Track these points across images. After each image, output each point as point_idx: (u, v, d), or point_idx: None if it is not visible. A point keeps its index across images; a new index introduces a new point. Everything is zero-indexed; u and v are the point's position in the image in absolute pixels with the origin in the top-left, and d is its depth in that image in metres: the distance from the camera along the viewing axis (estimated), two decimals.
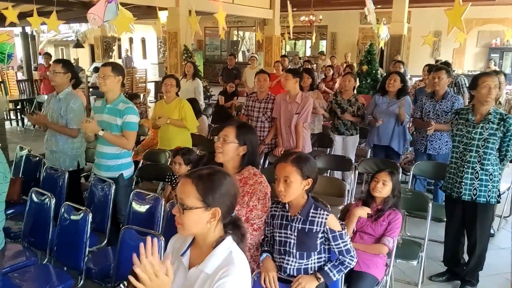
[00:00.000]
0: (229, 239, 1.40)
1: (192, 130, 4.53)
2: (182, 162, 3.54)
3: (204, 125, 5.79)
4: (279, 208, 2.14)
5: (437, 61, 9.78)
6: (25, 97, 10.04)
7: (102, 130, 3.19)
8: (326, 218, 2.00)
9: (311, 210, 2.03)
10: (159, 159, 4.40)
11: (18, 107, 9.79)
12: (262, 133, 4.52)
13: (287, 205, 2.09)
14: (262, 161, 4.45)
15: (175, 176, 3.66)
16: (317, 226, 2.01)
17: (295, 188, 1.98)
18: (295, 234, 2.04)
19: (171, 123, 4.32)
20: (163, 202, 3.06)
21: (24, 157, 4.16)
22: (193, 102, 5.54)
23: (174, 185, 3.66)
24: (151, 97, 13.18)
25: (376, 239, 2.70)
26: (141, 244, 1.21)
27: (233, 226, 1.44)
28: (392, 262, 2.76)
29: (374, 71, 9.62)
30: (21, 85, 10.53)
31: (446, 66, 5.12)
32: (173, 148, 4.17)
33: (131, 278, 1.20)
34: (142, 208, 3.09)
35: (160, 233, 2.69)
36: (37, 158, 4.09)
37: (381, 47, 11.96)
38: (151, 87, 13.22)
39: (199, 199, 1.35)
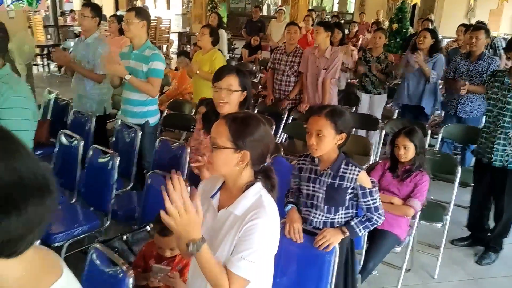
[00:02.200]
0: (259, 184, 1.40)
1: None
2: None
3: None
4: (307, 161, 2.11)
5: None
6: (51, 43, 10.06)
7: (129, 74, 3.17)
8: (357, 174, 1.97)
9: (342, 166, 2.00)
10: (183, 109, 4.40)
11: (44, 52, 9.83)
12: (287, 88, 4.44)
13: (316, 159, 2.06)
14: (285, 116, 4.39)
15: None
16: (347, 181, 1.98)
17: (328, 142, 1.93)
18: (324, 188, 2.02)
19: (200, 75, 4.24)
20: (188, 150, 3.07)
21: (52, 100, 4.20)
22: None
23: None
24: (174, 48, 13.05)
25: (401, 199, 2.67)
26: (168, 181, 1.19)
27: (264, 175, 1.43)
28: (416, 223, 2.74)
29: (404, 30, 9.27)
30: (47, 30, 10.53)
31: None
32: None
33: (162, 213, 1.20)
34: (167, 156, 3.12)
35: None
36: (65, 102, 4.13)
37: (413, 5, 11.43)
38: (174, 38, 13.05)
39: (230, 140, 1.35)
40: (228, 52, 8.59)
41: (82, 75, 3.61)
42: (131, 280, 1.58)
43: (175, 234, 1.25)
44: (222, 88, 2.14)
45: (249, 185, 1.39)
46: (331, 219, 2.04)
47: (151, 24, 10.66)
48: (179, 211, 1.18)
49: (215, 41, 4.22)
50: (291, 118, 4.36)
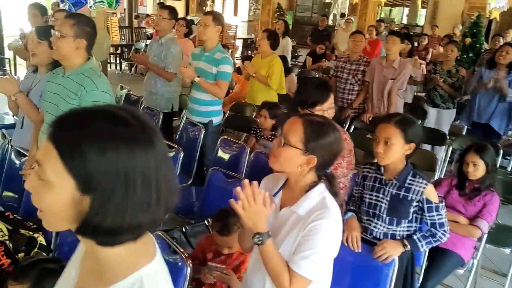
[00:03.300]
0: (322, 186, 1.39)
1: (278, 90, 4.41)
2: (267, 115, 3.57)
3: (293, 83, 5.72)
4: (372, 169, 2.07)
5: None
6: (124, 43, 10.65)
7: (198, 76, 3.28)
8: (424, 187, 1.90)
9: (409, 177, 1.94)
10: (245, 111, 4.47)
11: (117, 51, 10.42)
12: (350, 96, 4.38)
13: (382, 168, 2.02)
14: (347, 125, 4.33)
15: (260, 129, 3.71)
16: (413, 194, 1.92)
17: (396, 151, 1.89)
18: (388, 198, 1.97)
19: (256, 78, 4.30)
20: (248, 151, 3.13)
21: (124, 96, 4.45)
22: (283, 60, 5.49)
23: (258, 138, 3.72)
24: (238, 54, 13.31)
25: (467, 219, 2.54)
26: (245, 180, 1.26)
27: (327, 179, 1.42)
28: (482, 246, 2.58)
29: (478, 45, 8.80)
30: (122, 31, 11.16)
31: None
32: (257, 104, 4.22)
33: (232, 200, 1.24)
34: (228, 154, 3.20)
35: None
36: (136, 98, 4.35)
37: (490, 20, 10.83)
38: (239, 44, 13.32)
39: (302, 141, 1.35)
40: (292, 59, 8.63)
41: (154, 73, 3.80)
42: (189, 270, 1.63)
43: (243, 223, 1.28)
44: (324, 111, 2.05)
45: (312, 185, 1.39)
46: (393, 230, 1.98)
47: None
48: (248, 199, 1.21)
49: (274, 45, 4.29)
50: (352, 127, 4.29)
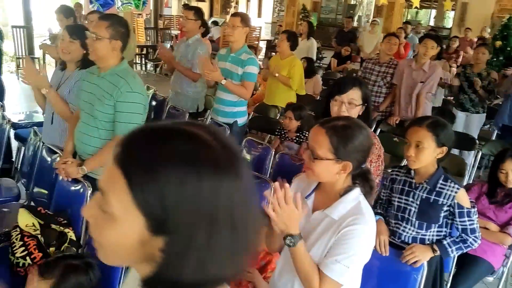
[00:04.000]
0: (357, 190, 1.38)
1: (298, 91, 4.44)
2: (292, 117, 3.56)
3: (318, 84, 5.70)
4: (401, 173, 2.04)
5: None
6: (150, 44, 10.81)
7: (225, 79, 3.29)
8: (456, 192, 1.87)
9: (440, 181, 1.91)
10: (269, 112, 4.47)
11: (143, 52, 10.58)
12: (377, 99, 4.33)
13: (412, 171, 1.99)
14: (373, 128, 4.28)
15: (285, 130, 3.71)
16: (444, 198, 1.89)
17: (427, 154, 1.86)
18: (418, 202, 1.94)
19: (279, 78, 4.30)
20: (273, 152, 3.13)
21: (150, 96, 4.51)
22: (308, 61, 5.48)
23: (282, 139, 3.72)
24: (261, 55, 13.33)
25: (497, 225, 2.47)
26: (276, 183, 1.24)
27: (362, 178, 1.41)
28: None
29: (509, 48, 8.57)
30: (147, 32, 11.34)
31: None
32: (275, 104, 4.29)
33: (263, 205, 1.24)
34: (252, 155, 3.21)
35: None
36: (162, 98, 4.41)
37: None
38: (262, 45, 13.33)
39: (331, 151, 1.33)
40: (316, 61, 8.59)
41: (181, 73, 3.84)
42: None
43: (274, 225, 1.28)
44: (343, 102, 1.95)
45: (347, 190, 1.38)
46: (422, 235, 1.95)
47: None
48: (279, 202, 1.21)
49: (294, 46, 4.32)
50: (379, 130, 4.24)
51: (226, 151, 0.59)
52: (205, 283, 0.58)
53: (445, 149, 1.88)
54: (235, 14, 3.41)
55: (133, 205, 0.56)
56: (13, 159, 3.62)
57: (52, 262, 1.68)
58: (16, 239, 2.14)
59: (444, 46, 8.18)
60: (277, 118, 4.28)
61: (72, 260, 1.70)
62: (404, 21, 13.15)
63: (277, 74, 4.23)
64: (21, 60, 8.37)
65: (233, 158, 0.59)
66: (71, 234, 2.20)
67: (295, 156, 3.10)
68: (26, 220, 2.21)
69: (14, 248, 2.10)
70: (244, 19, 3.32)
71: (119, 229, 0.58)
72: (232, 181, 0.58)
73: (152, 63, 10.30)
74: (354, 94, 1.93)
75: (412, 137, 1.89)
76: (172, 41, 10.70)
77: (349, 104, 1.93)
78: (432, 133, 1.84)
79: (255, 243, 0.63)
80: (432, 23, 16.98)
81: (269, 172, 3.04)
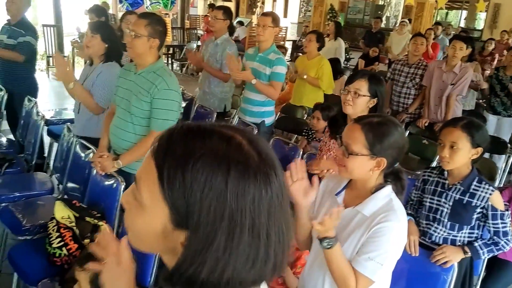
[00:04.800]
0: (389, 187, 1.39)
1: (326, 91, 4.43)
2: (320, 117, 3.57)
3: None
4: (434, 173, 2.03)
5: None
6: (176, 43, 10.96)
7: (255, 78, 3.31)
8: (490, 194, 1.85)
9: (475, 182, 1.89)
10: (295, 113, 4.48)
11: (169, 52, 10.74)
12: (406, 100, 4.29)
13: (445, 172, 1.97)
14: None
15: (312, 131, 3.71)
16: (477, 200, 1.87)
17: (462, 155, 1.84)
18: (450, 203, 1.93)
19: (307, 80, 4.30)
20: (300, 152, 3.14)
21: None
22: (335, 62, 5.45)
23: (309, 139, 3.72)
24: (287, 56, 13.32)
25: None
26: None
27: (394, 176, 1.42)
28: None
29: None
30: (174, 32, 11.49)
31: None
32: (303, 104, 4.28)
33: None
34: (280, 154, 3.22)
35: None
36: (190, 97, 4.48)
37: None
38: (288, 46, 13.33)
39: (366, 147, 1.35)
40: (343, 62, 8.53)
41: (210, 74, 3.88)
42: None
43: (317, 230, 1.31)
44: (350, 91, 2.11)
45: (379, 187, 1.39)
46: (453, 236, 1.94)
47: None
48: (295, 173, 1.31)
49: (321, 47, 4.34)
50: (407, 132, 4.19)
51: (260, 158, 0.60)
52: (219, 286, 0.58)
53: (480, 150, 1.86)
54: (266, 14, 3.43)
55: (160, 197, 0.59)
56: (45, 155, 3.75)
57: (92, 254, 1.75)
58: (53, 230, 2.23)
59: (478, 48, 8.01)
60: (304, 118, 4.29)
61: None
62: (434, 22, 12.91)
63: (305, 76, 4.24)
64: (51, 59, 8.66)
65: (266, 167, 0.59)
66: (105, 227, 2.27)
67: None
68: (62, 212, 2.29)
69: (51, 239, 2.19)
70: (275, 19, 3.34)
71: (146, 217, 0.61)
72: (260, 189, 0.58)
73: (178, 62, 10.43)
74: (360, 85, 2.06)
75: (446, 138, 1.88)
76: (200, 41, 10.81)
77: (354, 93, 2.04)
78: (467, 133, 1.83)
79: (280, 255, 0.61)
80: (462, 24, 16.57)
81: None
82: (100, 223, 2.28)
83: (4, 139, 3.90)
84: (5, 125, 4.23)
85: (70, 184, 2.89)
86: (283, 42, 12.47)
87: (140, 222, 0.62)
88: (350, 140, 1.38)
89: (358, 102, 2.08)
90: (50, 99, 6.65)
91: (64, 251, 2.15)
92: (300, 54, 11.68)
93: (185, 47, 10.25)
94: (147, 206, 0.61)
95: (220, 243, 0.57)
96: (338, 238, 1.33)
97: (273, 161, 0.61)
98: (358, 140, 1.36)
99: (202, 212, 0.57)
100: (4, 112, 4.08)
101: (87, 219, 2.29)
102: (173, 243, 0.60)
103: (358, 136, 1.36)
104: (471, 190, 1.88)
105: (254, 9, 17.35)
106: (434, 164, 3.45)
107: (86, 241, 2.20)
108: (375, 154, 1.35)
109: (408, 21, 9.35)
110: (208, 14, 10.63)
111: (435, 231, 1.97)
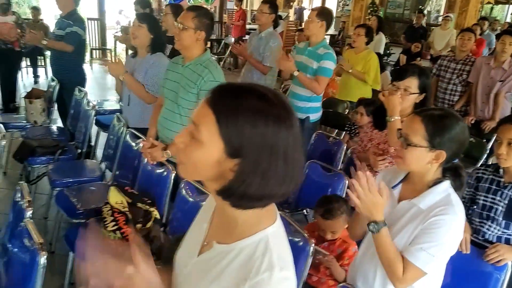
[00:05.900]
0: (447, 182, 1.38)
1: (373, 86, 4.39)
2: (364, 112, 3.51)
3: (387, 81, 5.59)
4: (488, 171, 1.99)
5: None
6: (214, 37, 11.07)
7: (298, 70, 3.31)
8: None
9: None
10: (337, 107, 4.45)
11: (207, 46, 10.84)
12: (452, 97, 4.19)
13: (501, 170, 1.94)
14: None
15: (355, 126, 3.68)
16: None
17: None
18: (506, 202, 1.89)
19: (353, 73, 4.27)
20: (344, 147, 3.14)
21: None
22: (378, 57, 5.37)
23: (352, 135, 3.69)
24: None
25: None
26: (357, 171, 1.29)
27: (453, 172, 1.41)
28: None
29: None
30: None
31: None
32: (349, 99, 4.25)
33: (349, 192, 1.28)
34: (322, 148, 3.23)
35: None
36: None
37: None
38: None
39: (426, 139, 1.35)
40: (384, 57, 8.38)
41: (252, 65, 3.92)
42: (311, 249, 1.74)
43: (359, 212, 1.31)
44: (399, 89, 2.12)
45: (437, 182, 1.38)
46: (508, 234, 1.90)
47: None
48: (364, 190, 1.25)
49: (369, 41, 4.32)
50: None
51: (284, 107, 0.80)
52: (262, 198, 0.81)
53: None
54: (314, 9, 3.44)
55: (218, 135, 0.77)
56: (92, 143, 3.90)
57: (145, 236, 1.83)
58: (108, 214, 2.33)
59: None
60: (346, 113, 4.26)
61: None
62: (480, 17, 12.44)
63: (350, 70, 4.21)
64: (95, 51, 8.97)
65: (289, 113, 0.81)
66: (155, 213, 2.36)
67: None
68: (116, 197, 2.39)
69: (106, 223, 2.29)
70: (321, 13, 3.33)
71: (205, 150, 0.79)
72: (287, 129, 0.79)
73: (216, 56, 10.53)
74: (411, 82, 2.09)
75: (504, 134, 1.84)
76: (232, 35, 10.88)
77: (404, 90, 2.08)
78: None
79: (298, 176, 0.83)
80: (509, 20, 15.90)
81: (340, 165, 3.06)
82: (151, 209, 2.36)
83: (54, 127, 4.09)
84: (55, 114, 4.42)
85: (120, 172, 3.01)
86: None
87: (199, 155, 0.80)
88: (410, 131, 1.38)
89: (407, 100, 2.09)
90: (94, 90, 6.88)
91: (118, 234, 2.24)
92: (338, 48, 11.58)
93: (223, 41, 10.33)
94: (206, 142, 0.78)
95: (263, 166, 0.77)
96: (387, 226, 1.33)
97: (292, 110, 0.82)
98: (417, 131, 1.36)
99: (250, 145, 0.76)
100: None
101: (139, 205, 2.38)
102: (223, 169, 0.79)
103: (418, 128, 1.36)
104: None
105: (292, 3, 17.25)
106: (480, 162, 3.37)
107: (138, 226, 2.29)
108: (434, 147, 1.34)
109: (452, 16, 9.07)
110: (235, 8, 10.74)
111: (488, 229, 1.94)
